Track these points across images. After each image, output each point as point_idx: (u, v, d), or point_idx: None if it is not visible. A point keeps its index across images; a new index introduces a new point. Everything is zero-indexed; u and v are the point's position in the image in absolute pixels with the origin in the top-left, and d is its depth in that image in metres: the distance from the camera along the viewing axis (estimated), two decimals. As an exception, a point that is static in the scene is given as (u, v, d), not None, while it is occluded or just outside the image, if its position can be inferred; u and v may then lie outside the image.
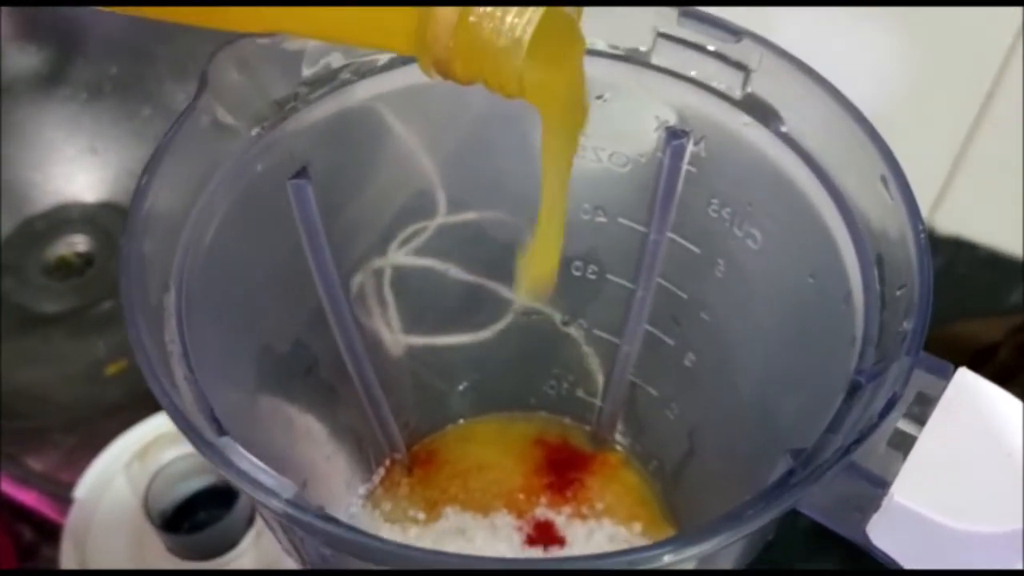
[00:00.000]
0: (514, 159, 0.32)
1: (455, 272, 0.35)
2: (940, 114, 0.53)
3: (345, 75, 0.28)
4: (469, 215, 0.34)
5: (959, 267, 0.57)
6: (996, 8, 0.47)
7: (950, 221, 0.57)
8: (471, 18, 0.21)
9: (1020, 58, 0.49)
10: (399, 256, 0.34)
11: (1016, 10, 0.47)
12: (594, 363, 0.36)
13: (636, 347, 0.34)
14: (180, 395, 0.21)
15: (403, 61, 0.29)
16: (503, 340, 0.37)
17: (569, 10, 0.23)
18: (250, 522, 0.47)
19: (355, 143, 0.30)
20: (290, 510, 0.18)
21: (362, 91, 0.29)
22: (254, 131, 0.26)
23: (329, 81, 0.28)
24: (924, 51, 0.51)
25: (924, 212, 0.57)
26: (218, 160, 0.26)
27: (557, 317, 0.36)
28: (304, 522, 0.18)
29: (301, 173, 0.28)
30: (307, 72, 0.27)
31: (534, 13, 0.21)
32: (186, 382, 0.22)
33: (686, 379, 0.33)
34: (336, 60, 0.28)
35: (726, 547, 0.19)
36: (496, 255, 0.34)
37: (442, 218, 0.34)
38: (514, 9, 0.21)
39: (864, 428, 0.19)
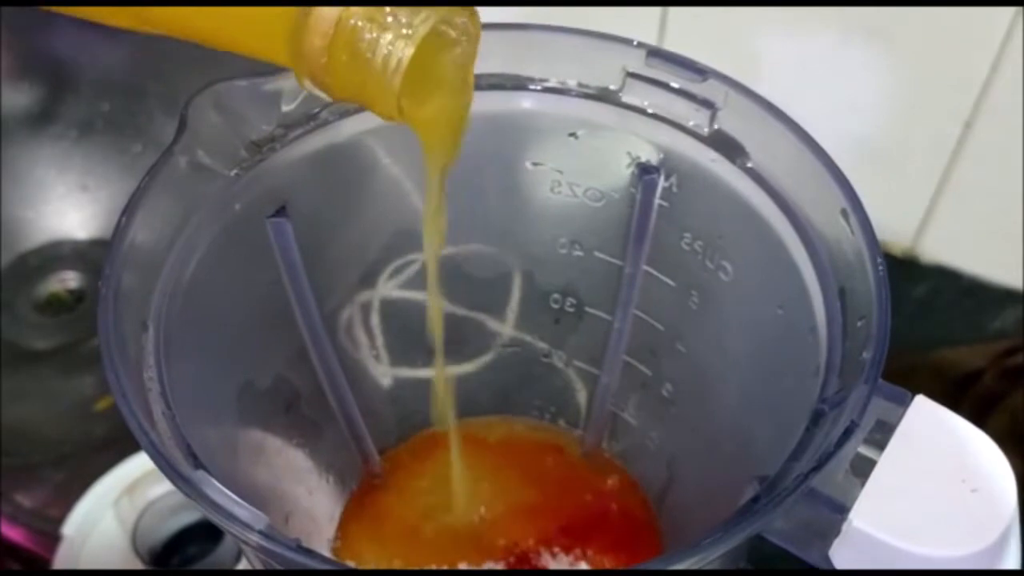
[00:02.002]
0: (498, 195, 0.32)
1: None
2: (922, 143, 0.54)
3: (325, 115, 0.29)
4: (452, 250, 0.34)
5: (943, 294, 0.57)
6: (976, 34, 0.48)
7: (934, 249, 0.58)
8: (352, 21, 0.19)
9: (999, 86, 0.50)
10: (386, 289, 0.35)
11: (995, 38, 0.48)
12: (575, 394, 0.37)
13: (615, 378, 0.35)
14: (158, 431, 0.21)
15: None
16: (487, 372, 0.37)
17: (460, 28, 0.21)
18: (239, 557, 0.47)
19: (335, 181, 0.31)
20: (264, 542, 0.19)
21: (341, 129, 0.29)
22: (233, 171, 0.27)
23: (307, 121, 0.28)
24: (906, 80, 0.51)
25: (908, 240, 0.57)
26: (197, 200, 0.26)
27: (538, 348, 0.36)
28: (278, 554, 0.19)
29: (280, 212, 0.28)
30: (286, 109, 0.28)
31: (415, 31, 0.19)
32: (164, 418, 0.22)
33: (664, 409, 0.34)
34: (315, 102, 0.29)
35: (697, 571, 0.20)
36: (480, 288, 0.35)
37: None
38: (393, 26, 0.19)
39: (822, 455, 0.20)
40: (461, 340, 0.36)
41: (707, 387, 0.32)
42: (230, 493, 0.20)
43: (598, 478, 0.35)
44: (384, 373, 0.36)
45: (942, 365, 0.53)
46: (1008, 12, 0.46)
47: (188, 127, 0.25)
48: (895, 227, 0.58)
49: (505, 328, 0.37)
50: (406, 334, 0.35)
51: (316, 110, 0.29)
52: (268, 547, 0.19)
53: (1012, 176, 0.53)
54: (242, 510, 0.19)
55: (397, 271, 0.34)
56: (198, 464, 0.21)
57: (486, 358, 0.37)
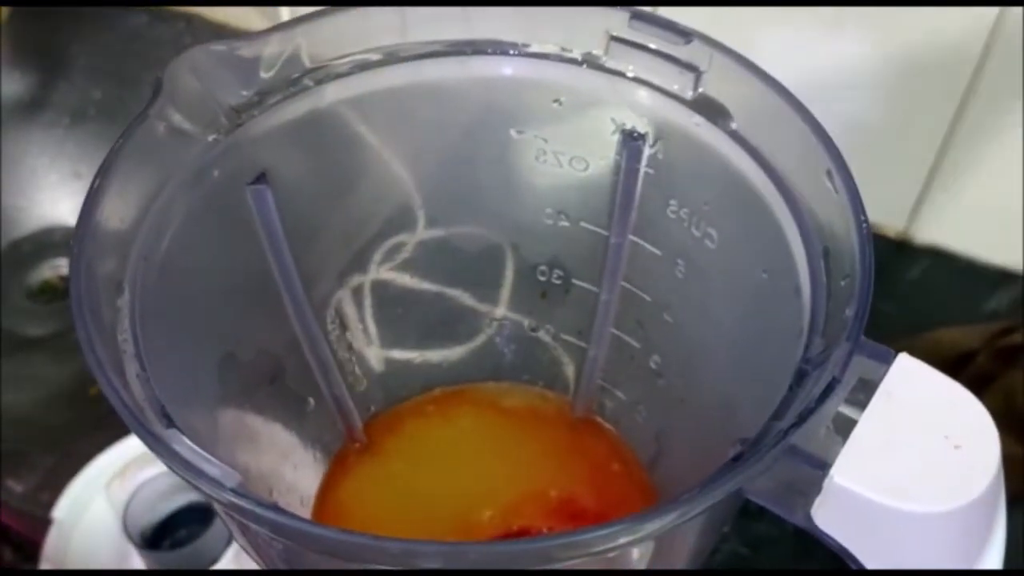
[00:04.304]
0: (483, 165, 0.32)
1: (430, 286, 0.36)
2: (915, 125, 0.54)
3: (306, 81, 0.29)
4: (442, 231, 0.34)
5: (937, 276, 0.57)
6: (967, 17, 0.48)
7: (928, 231, 0.57)
8: None
9: (991, 67, 0.49)
10: (374, 272, 0.34)
11: (987, 20, 0.48)
12: (563, 368, 0.36)
13: (603, 351, 0.34)
14: (130, 392, 0.21)
15: (362, 67, 0.29)
16: (476, 351, 0.37)
17: None
18: (230, 539, 0.47)
19: (318, 150, 0.30)
20: (235, 499, 0.19)
21: (323, 96, 0.29)
22: (211, 137, 0.27)
23: (287, 87, 0.28)
24: (898, 62, 0.51)
25: (902, 222, 0.57)
26: (174, 166, 0.26)
27: (525, 323, 0.36)
28: (248, 511, 0.18)
29: (260, 179, 0.28)
30: (265, 76, 0.27)
31: None
32: (138, 380, 0.22)
33: (652, 381, 0.33)
34: (296, 68, 0.28)
35: (679, 528, 0.20)
36: (468, 265, 0.35)
37: (421, 233, 0.34)
38: None
39: (803, 411, 0.20)
40: (452, 320, 0.36)
41: (694, 356, 0.31)
42: (201, 450, 0.19)
43: (590, 439, 0.35)
44: (374, 355, 0.36)
45: (936, 346, 0.52)
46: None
47: (164, 91, 0.25)
48: (889, 209, 0.57)
49: (496, 306, 0.36)
50: (395, 316, 0.35)
51: (296, 75, 0.28)
52: (241, 504, 0.19)
53: (1005, 158, 0.53)
54: (213, 467, 0.19)
55: (387, 254, 0.34)
56: (171, 424, 0.20)
57: (479, 339, 0.37)
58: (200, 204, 0.27)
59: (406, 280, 0.35)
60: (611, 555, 0.20)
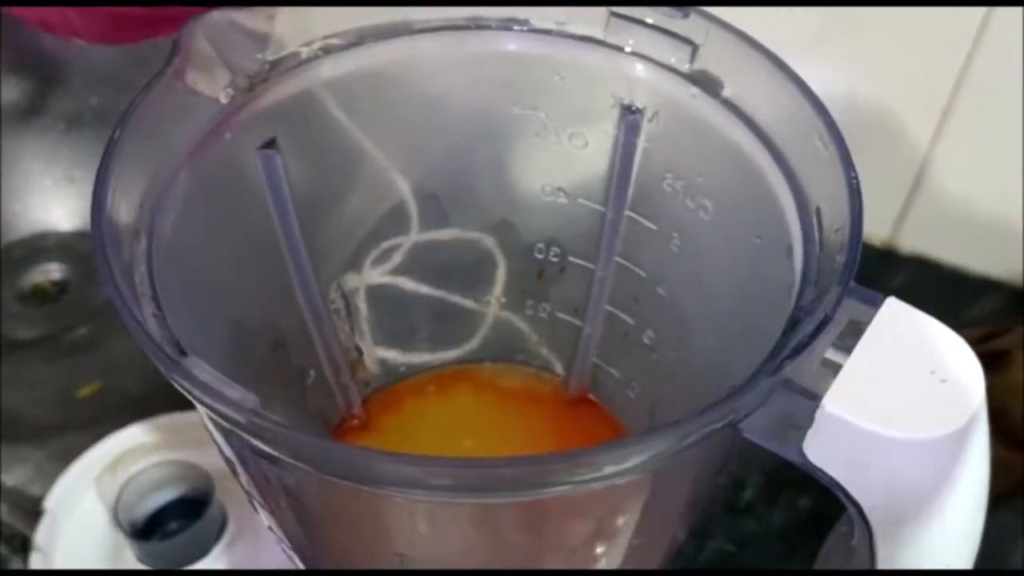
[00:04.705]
0: (484, 141, 0.33)
1: (424, 288, 0.37)
2: (899, 134, 0.55)
3: (316, 52, 0.30)
4: (438, 232, 0.35)
5: (923, 284, 0.58)
6: (952, 22, 0.49)
7: (913, 239, 0.58)
8: None
9: (974, 74, 0.51)
10: (371, 272, 0.35)
11: (970, 27, 0.49)
12: (558, 346, 0.37)
13: (598, 328, 0.35)
14: (148, 326, 0.22)
15: (370, 37, 0.30)
16: (473, 350, 0.38)
17: None
18: (221, 530, 0.47)
19: (325, 129, 0.31)
20: (255, 419, 0.19)
21: (324, 70, 0.30)
22: (224, 100, 0.28)
23: (296, 59, 0.29)
24: (882, 69, 0.52)
25: (887, 231, 0.58)
26: (188, 124, 0.27)
27: (523, 303, 0.37)
28: (267, 429, 0.19)
29: (271, 144, 0.29)
30: (275, 46, 0.28)
31: None
32: (154, 319, 0.23)
33: (646, 357, 0.34)
34: (303, 41, 0.29)
35: (676, 460, 0.20)
36: (466, 268, 0.35)
37: (415, 234, 0.35)
38: None
39: (797, 345, 0.21)
40: (448, 320, 0.37)
41: (688, 329, 0.32)
42: (219, 374, 0.20)
43: (584, 417, 0.36)
44: (370, 354, 0.37)
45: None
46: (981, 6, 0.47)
47: (180, 51, 0.26)
48: (875, 218, 0.58)
49: (490, 297, 0.37)
50: (393, 315, 0.36)
51: (305, 47, 0.29)
52: (260, 424, 0.19)
53: (989, 166, 0.53)
54: (233, 391, 0.20)
55: (384, 253, 0.35)
56: (185, 354, 0.21)
57: (475, 340, 0.38)
58: (212, 165, 0.27)
59: (405, 282, 0.36)
60: (604, 486, 0.20)
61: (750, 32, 0.27)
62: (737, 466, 0.48)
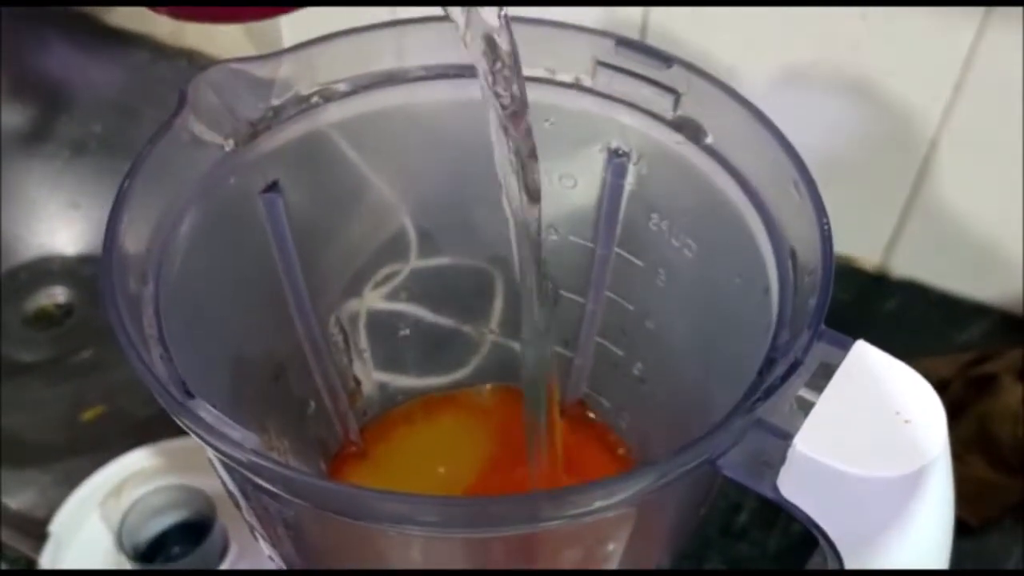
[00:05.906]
0: (477, 183, 0.34)
1: (424, 313, 0.38)
2: (890, 162, 0.55)
3: (315, 100, 0.31)
4: (436, 260, 0.36)
5: (913, 309, 0.58)
6: (941, 52, 0.50)
7: (903, 265, 0.59)
8: None
9: (963, 105, 0.51)
10: (370, 299, 0.36)
11: (957, 58, 0.50)
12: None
13: (589, 360, 0.36)
14: (155, 367, 0.23)
15: (365, 87, 0.31)
16: (469, 376, 0.39)
17: None
18: (223, 554, 0.48)
19: (322, 167, 0.33)
20: (255, 458, 0.20)
21: (327, 116, 0.31)
22: (228, 147, 0.29)
23: (298, 104, 0.30)
24: (874, 98, 0.53)
25: (878, 256, 0.59)
26: (194, 171, 0.28)
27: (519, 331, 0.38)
28: (266, 468, 0.20)
29: (273, 187, 0.30)
30: (277, 93, 0.30)
31: None
32: (161, 360, 0.24)
33: (635, 389, 0.35)
34: (305, 87, 0.31)
35: (658, 496, 0.21)
36: (464, 284, 0.37)
37: (414, 261, 0.36)
38: None
39: (768, 387, 0.22)
40: (445, 347, 0.38)
41: (675, 361, 0.33)
42: (222, 415, 0.21)
43: (581, 440, 0.37)
44: (368, 377, 0.38)
45: (912, 375, 0.54)
46: (971, 31, 0.48)
47: (187, 103, 0.27)
48: (866, 244, 0.59)
49: (487, 327, 0.38)
50: (392, 340, 0.37)
51: (306, 94, 0.31)
52: (259, 463, 0.20)
53: (978, 193, 0.54)
54: (234, 431, 0.21)
55: (381, 282, 0.36)
56: (191, 396, 0.22)
57: (470, 366, 0.39)
58: (216, 208, 0.29)
59: (403, 308, 0.37)
60: (591, 520, 0.21)
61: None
62: (732, 490, 0.49)
